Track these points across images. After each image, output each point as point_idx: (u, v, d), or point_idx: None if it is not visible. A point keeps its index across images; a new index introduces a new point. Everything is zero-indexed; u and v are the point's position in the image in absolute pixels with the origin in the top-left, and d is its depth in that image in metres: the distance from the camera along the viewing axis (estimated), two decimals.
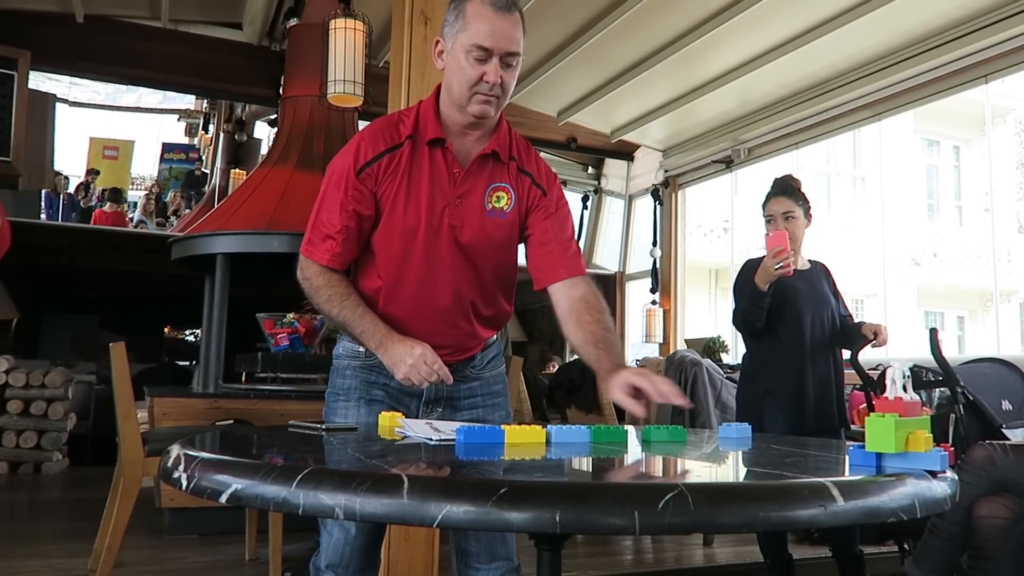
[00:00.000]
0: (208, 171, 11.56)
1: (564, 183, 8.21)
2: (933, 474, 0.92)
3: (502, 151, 1.58)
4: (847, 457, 1.07)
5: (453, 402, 1.66)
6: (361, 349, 1.63)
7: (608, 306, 1.60)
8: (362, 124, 5.62)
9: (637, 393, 1.34)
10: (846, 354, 3.08)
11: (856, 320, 3.01)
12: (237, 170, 9.39)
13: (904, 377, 0.98)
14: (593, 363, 1.49)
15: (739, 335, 3.20)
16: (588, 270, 1.69)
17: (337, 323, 1.59)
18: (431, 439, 1.15)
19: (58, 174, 9.39)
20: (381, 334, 1.52)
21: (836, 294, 3.02)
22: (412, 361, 1.47)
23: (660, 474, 1.07)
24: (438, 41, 1.55)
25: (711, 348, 5.84)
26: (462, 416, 1.65)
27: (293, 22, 5.47)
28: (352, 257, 1.59)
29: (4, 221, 1.50)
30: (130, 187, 12.86)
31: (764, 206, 2.97)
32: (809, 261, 3.02)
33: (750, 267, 2.86)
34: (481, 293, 1.61)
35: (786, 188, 2.95)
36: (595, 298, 1.58)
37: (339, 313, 1.55)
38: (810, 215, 2.98)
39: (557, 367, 6.76)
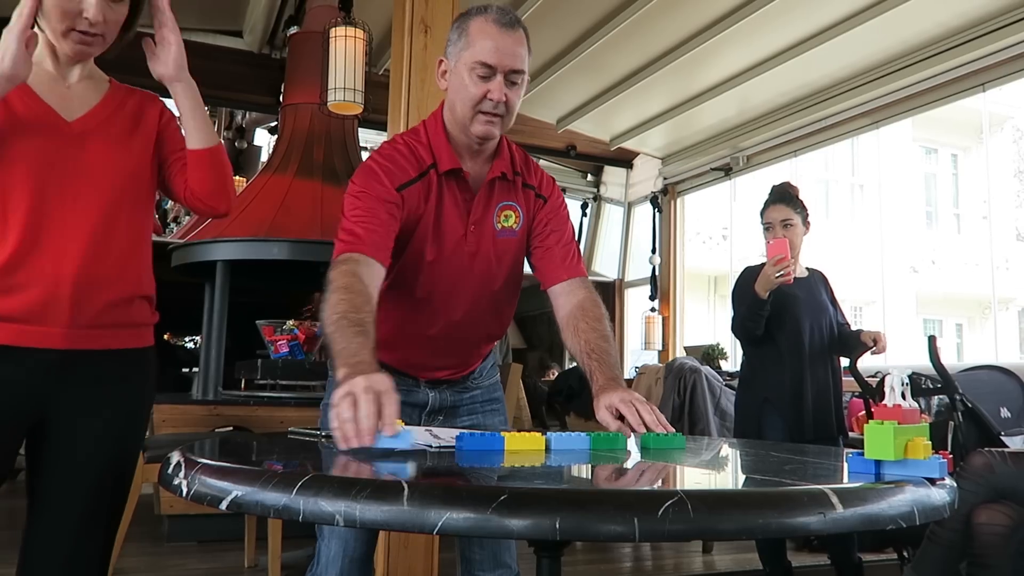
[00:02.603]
0: None
1: (564, 190, 8.24)
2: (932, 481, 0.92)
3: (508, 171, 1.56)
4: (846, 464, 1.07)
5: (454, 410, 1.68)
6: None
7: (607, 311, 1.60)
8: (362, 131, 5.63)
9: (621, 416, 1.34)
10: (844, 362, 3.09)
11: (854, 328, 3.02)
12: (237, 177, 9.39)
13: (903, 384, 0.98)
14: (587, 375, 1.48)
15: (738, 342, 3.21)
16: (587, 277, 1.69)
17: (327, 333, 1.29)
18: (431, 446, 1.15)
19: None
20: (358, 360, 1.19)
21: (834, 302, 3.03)
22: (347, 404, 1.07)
23: (659, 481, 1.07)
24: (441, 60, 1.52)
25: (710, 355, 5.85)
26: (463, 423, 1.67)
27: (293, 30, 5.49)
28: (387, 254, 1.42)
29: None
30: None
31: (762, 214, 2.98)
32: (807, 269, 3.03)
33: (749, 274, 2.87)
34: (493, 314, 1.62)
35: (784, 196, 2.96)
36: (592, 304, 1.55)
37: (330, 327, 1.27)
38: (808, 223, 2.99)
39: (556, 374, 6.76)
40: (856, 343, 2.92)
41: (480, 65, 1.43)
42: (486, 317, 1.61)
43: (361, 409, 1.04)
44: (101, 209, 1.39)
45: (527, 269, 1.69)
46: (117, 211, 1.41)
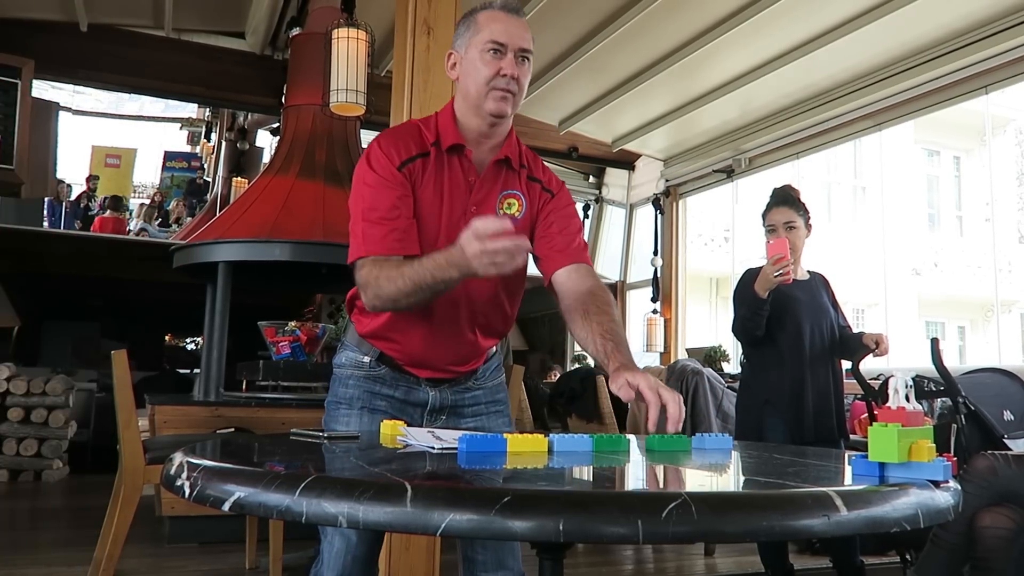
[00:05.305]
0: (210, 179, 11.58)
1: None
2: (936, 484, 0.92)
3: (513, 158, 1.60)
4: (850, 466, 1.07)
5: (457, 410, 1.66)
6: (365, 359, 1.63)
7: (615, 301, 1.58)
8: (364, 133, 5.63)
9: (638, 395, 1.28)
10: (846, 365, 3.08)
11: (856, 330, 3.01)
12: (239, 178, 9.40)
13: (907, 387, 0.98)
14: (601, 356, 1.43)
15: (739, 344, 3.20)
16: (592, 266, 1.68)
17: (412, 300, 1.43)
18: (433, 447, 1.14)
19: (61, 182, 9.41)
20: (443, 258, 1.37)
21: (835, 305, 3.02)
22: (473, 254, 1.29)
23: (663, 483, 1.06)
24: (451, 54, 1.59)
25: (712, 357, 5.85)
26: (466, 424, 1.66)
27: (296, 31, 5.50)
28: (413, 244, 1.49)
29: None
30: (132, 195, 12.88)
31: (765, 216, 2.98)
32: (808, 272, 3.02)
33: (750, 276, 2.87)
34: (492, 303, 1.61)
35: (787, 198, 2.96)
36: (602, 291, 1.55)
37: (403, 283, 1.40)
38: (810, 225, 2.99)
39: (558, 376, 6.75)
40: (858, 346, 2.92)
41: (492, 43, 1.52)
42: (486, 308, 1.60)
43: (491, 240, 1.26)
44: None
45: (531, 270, 1.68)
46: None
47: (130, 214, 11.53)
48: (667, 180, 7.54)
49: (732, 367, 5.87)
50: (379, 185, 1.51)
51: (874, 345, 2.86)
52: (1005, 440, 2.81)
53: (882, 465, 0.94)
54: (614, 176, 8.24)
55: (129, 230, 10.25)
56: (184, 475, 0.94)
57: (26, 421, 5.62)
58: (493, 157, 1.58)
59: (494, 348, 1.73)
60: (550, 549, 1.07)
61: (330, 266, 4.56)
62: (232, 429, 3.62)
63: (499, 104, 1.52)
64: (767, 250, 2.79)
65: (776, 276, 2.70)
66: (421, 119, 1.64)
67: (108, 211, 9.56)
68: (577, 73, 6.05)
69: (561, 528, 0.74)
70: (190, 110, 13.33)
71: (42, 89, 7.25)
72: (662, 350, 7.36)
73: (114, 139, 13.36)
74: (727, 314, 3.01)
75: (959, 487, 0.96)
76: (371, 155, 1.54)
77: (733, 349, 6.13)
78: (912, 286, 12.16)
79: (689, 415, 4.17)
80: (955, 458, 2.65)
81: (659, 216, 7.59)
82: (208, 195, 11.11)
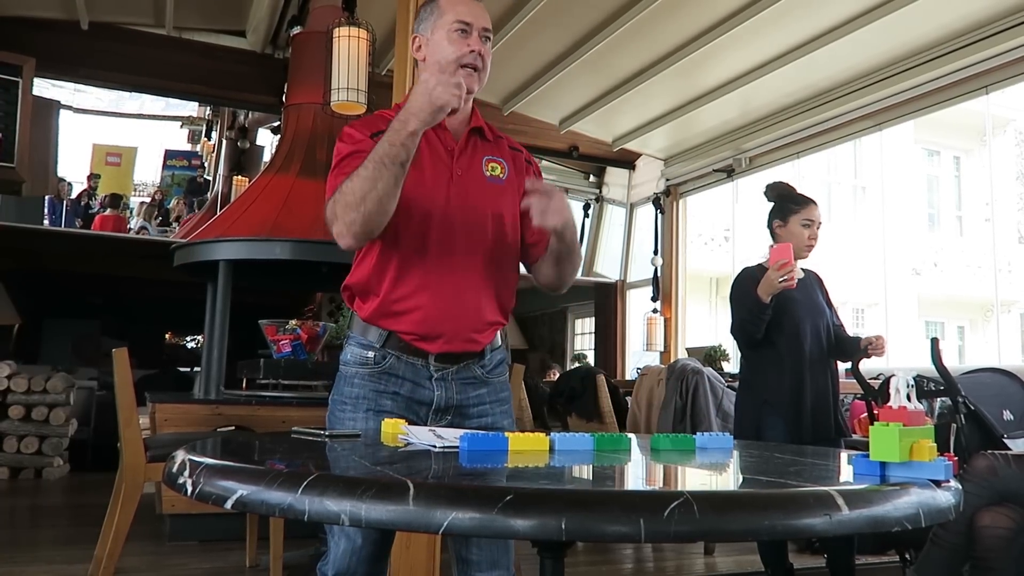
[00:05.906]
0: (211, 178, 11.58)
1: (566, 191, 8.25)
2: (937, 483, 0.92)
3: (485, 129, 1.70)
4: (851, 466, 1.07)
5: (462, 410, 1.65)
6: (369, 355, 1.62)
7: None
8: None
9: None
10: (844, 364, 3.08)
11: (855, 331, 3.02)
12: (240, 177, 9.40)
13: (908, 386, 0.98)
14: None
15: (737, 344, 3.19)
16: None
17: (380, 185, 1.46)
18: (435, 446, 1.15)
19: (61, 180, 9.42)
20: (399, 121, 1.46)
21: (829, 304, 3.02)
22: (432, 86, 1.43)
23: (665, 482, 1.07)
24: (415, 38, 1.69)
25: (712, 356, 5.85)
26: (471, 424, 1.65)
27: (297, 30, 5.50)
28: None
29: None
30: (132, 194, 12.88)
31: (796, 212, 2.92)
32: (802, 270, 3.01)
33: (746, 276, 2.85)
34: (486, 262, 1.63)
35: (804, 198, 2.98)
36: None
37: (366, 172, 1.46)
38: None
39: (558, 375, 6.76)
40: (855, 348, 2.92)
41: (459, 23, 1.62)
42: (482, 269, 1.62)
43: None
44: None
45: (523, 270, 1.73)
46: None
47: (131, 212, 11.54)
48: (667, 179, 7.54)
49: (732, 366, 5.88)
50: (350, 153, 1.60)
51: (874, 339, 2.86)
52: (1005, 440, 2.81)
53: (883, 464, 0.94)
54: (614, 175, 8.24)
55: (130, 228, 10.26)
56: (186, 473, 0.95)
57: (27, 419, 5.63)
58: (467, 127, 1.68)
59: (499, 337, 1.72)
60: (551, 548, 1.07)
61: (331, 265, 4.56)
62: (232, 427, 3.62)
63: (468, 80, 1.60)
64: (770, 254, 2.77)
65: (781, 282, 2.69)
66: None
67: (107, 209, 9.57)
68: (578, 72, 6.05)
69: (563, 527, 0.75)
70: (191, 108, 13.33)
71: (43, 87, 7.25)
72: (662, 350, 7.36)
73: (115, 137, 13.35)
74: (727, 314, 3.00)
75: (960, 487, 0.97)
76: (342, 133, 1.66)
77: (733, 348, 6.13)
78: (912, 286, 12.16)
79: (690, 415, 4.17)
80: (955, 458, 2.65)
81: (659, 215, 7.59)
82: (208, 194, 11.11)
